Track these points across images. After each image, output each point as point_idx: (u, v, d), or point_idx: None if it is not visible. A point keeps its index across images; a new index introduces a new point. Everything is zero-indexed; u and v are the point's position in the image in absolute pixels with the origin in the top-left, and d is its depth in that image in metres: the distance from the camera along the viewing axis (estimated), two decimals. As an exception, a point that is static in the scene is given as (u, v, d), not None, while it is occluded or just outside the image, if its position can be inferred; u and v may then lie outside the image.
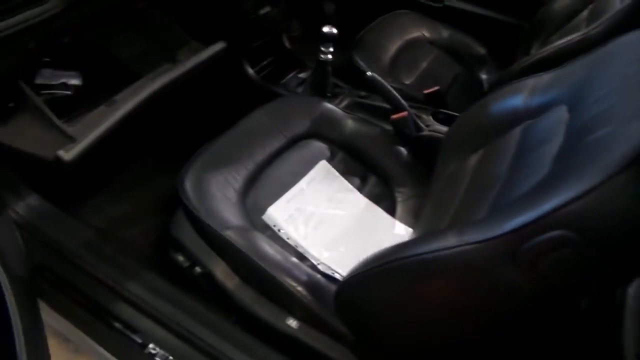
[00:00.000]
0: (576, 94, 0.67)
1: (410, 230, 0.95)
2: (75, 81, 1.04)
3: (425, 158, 1.05)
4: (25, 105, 0.89)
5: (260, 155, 0.96)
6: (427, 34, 1.50)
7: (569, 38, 0.95)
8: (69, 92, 1.02)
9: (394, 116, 1.07)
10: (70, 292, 0.85)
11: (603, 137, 0.48)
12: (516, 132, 0.78)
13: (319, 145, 1.05)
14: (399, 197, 1.02)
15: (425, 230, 0.81)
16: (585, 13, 1.17)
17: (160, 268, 0.89)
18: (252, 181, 0.93)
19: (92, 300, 0.83)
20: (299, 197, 0.94)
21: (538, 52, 1.00)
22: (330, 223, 0.92)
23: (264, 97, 1.12)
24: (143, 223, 1.04)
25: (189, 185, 0.85)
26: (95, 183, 1.08)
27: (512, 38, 1.42)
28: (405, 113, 1.06)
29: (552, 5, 1.29)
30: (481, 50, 1.50)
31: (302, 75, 1.29)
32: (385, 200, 1.02)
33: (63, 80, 1.03)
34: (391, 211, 1.00)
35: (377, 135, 1.08)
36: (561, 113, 0.69)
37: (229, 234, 0.79)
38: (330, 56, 1.17)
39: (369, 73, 1.06)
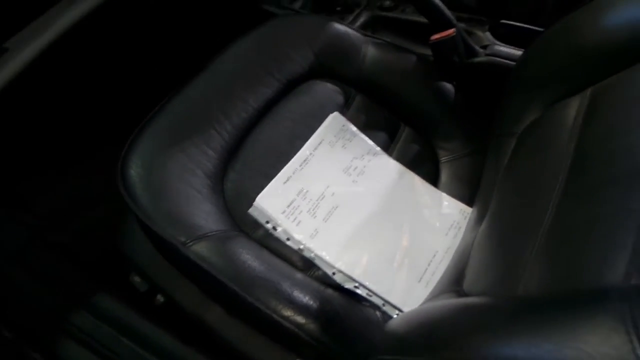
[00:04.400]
0: None
1: (466, 209, 0.66)
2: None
3: (482, 97, 0.73)
4: None
5: (242, 112, 0.66)
6: None
7: None
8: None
9: (436, 36, 0.73)
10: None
11: None
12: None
13: (327, 89, 0.73)
14: (443, 157, 0.72)
15: (497, 229, 0.52)
16: None
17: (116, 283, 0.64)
18: (231, 155, 0.64)
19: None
20: (301, 172, 0.65)
21: None
22: (349, 207, 0.64)
23: (241, 20, 0.78)
24: (93, 213, 0.77)
25: (134, 175, 0.56)
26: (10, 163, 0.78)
27: None
28: (451, 30, 0.72)
29: None
30: None
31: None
32: (425, 162, 0.72)
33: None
34: (433, 177, 0.71)
35: (411, 66, 0.74)
36: None
37: (197, 250, 0.53)
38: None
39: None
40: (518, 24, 0.76)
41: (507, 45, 0.74)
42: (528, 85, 0.61)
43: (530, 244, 0.42)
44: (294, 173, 0.64)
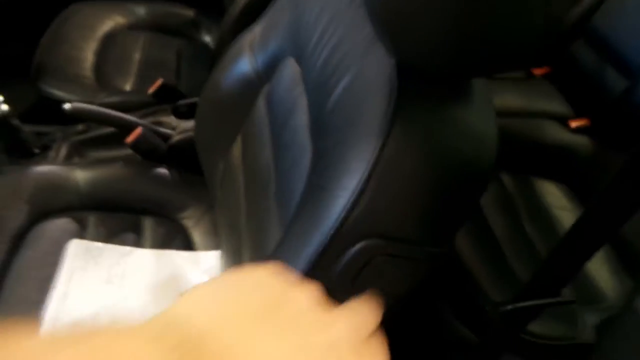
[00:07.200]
0: (296, 40, 0.56)
1: (217, 252, 0.79)
2: None
3: (192, 166, 0.88)
4: None
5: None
6: (122, 20, 1.25)
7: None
8: None
9: (128, 139, 0.84)
10: None
11: (345, 101, 0.38)
12: (260, 104, 0.65)
13: (55, 225, 0.77)
14: (189, 223, 0.84)
15: (227, 256, 0.66)
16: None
17: None
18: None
19: None
20: (64, 310, 0.68)
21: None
22: (125, 310, 0.70)
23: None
24: None
25: None
26: None
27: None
28: (138, 130, 0.84)
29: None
30: (190, 13, 1.32)
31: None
32: (177, 236, 0.82)
33: None
34: (189, 243, 0.82)
35: (122, 171, 0.85)
36: (292, 68, 0.58)
37: None
38: (4, 106, 0.85)
39: (66, 106, 0.80)
40: (190, 99, 0.94)
41: (190, 120, 0.90)
42: (206, 143, 0.77)
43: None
44: (57, 314, 0.67)
